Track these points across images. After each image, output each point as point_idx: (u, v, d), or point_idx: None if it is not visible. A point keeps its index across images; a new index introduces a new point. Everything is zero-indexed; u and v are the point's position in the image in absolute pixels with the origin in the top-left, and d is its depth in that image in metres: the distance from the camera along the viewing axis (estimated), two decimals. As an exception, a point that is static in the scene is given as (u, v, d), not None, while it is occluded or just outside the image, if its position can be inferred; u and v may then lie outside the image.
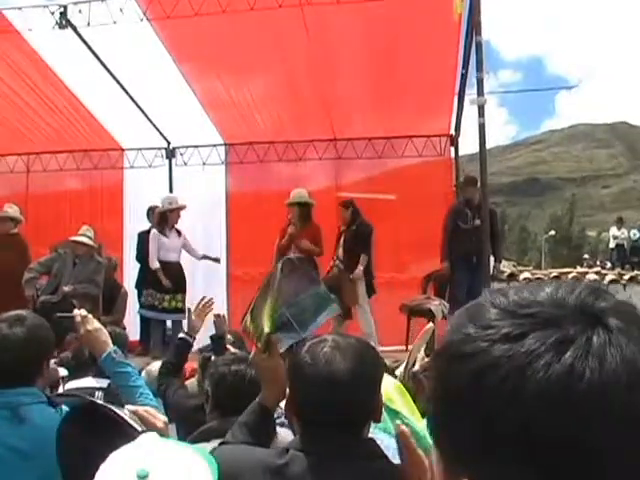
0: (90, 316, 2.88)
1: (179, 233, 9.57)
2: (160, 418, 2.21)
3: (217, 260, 9.84)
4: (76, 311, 2.91)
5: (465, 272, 8.74)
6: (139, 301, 9.73)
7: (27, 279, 8.78)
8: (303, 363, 1.87)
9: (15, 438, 2.46)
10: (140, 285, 10.13)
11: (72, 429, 2.03)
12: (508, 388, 0.70)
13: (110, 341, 2.88)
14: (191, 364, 5.06)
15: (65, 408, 2.38)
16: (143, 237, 10.17)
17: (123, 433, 1.95)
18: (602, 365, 0.69)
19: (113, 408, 2.03)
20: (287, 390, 2.04)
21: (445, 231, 9.19)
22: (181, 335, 4.22)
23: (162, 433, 2.13)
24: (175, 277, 9.35)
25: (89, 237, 8.94)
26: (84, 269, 8.94)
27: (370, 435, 2.25)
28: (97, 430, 1.93)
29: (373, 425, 2.40)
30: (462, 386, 0.74)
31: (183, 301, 9.26)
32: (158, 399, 3.40)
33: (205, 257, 9.89)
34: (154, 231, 9.40)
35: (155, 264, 9.22)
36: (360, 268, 8.99)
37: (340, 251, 9.20)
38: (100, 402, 2.08)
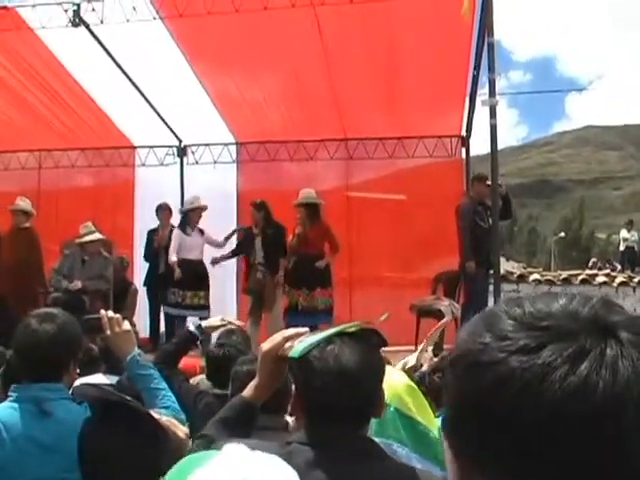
0: (120, 317, 2.89)
1: (202, 232, 9.79)
2: (182, 429, 2.23)
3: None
4: (103, 312, 2.92)
5: (484, 272, 8.67)
6: (157, 300, 9.96)
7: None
8: (312, 358, 1.87)
9: (39, 431, 2.49)
10: (150, 282, 10.19)
11: (95, 429, 2.04)
12: (524, 398, 0.72)
13: (136, 343, 2.91)
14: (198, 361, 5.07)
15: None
16: (152, 235, 10.23)
17: (146, 433, 1.97)
18: (615, 377, 0.71)
19: (144, 408, 2.04)
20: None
21: (465, 230, 8.88)
22: (192, 328, 3.89)
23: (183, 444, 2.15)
24: (196, 274, 9.55)
25: (92, 231, 9.07)
26: (93, 266, 9.05)
27: (385, 446, 2.25)
28: (120, 430, 1.94)
29: (390, 439, 2.41)
30: (479, 394, 0.75)
31: (206, 298, 9.52)
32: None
33: (227, 238, 10.09)
34: (176, 229, 9.63)
35: (172, 258, 9.38)
36: (281, 274, 9.21)
37: (260, 255, 9.33)
38: (131, 400, 2.08)
